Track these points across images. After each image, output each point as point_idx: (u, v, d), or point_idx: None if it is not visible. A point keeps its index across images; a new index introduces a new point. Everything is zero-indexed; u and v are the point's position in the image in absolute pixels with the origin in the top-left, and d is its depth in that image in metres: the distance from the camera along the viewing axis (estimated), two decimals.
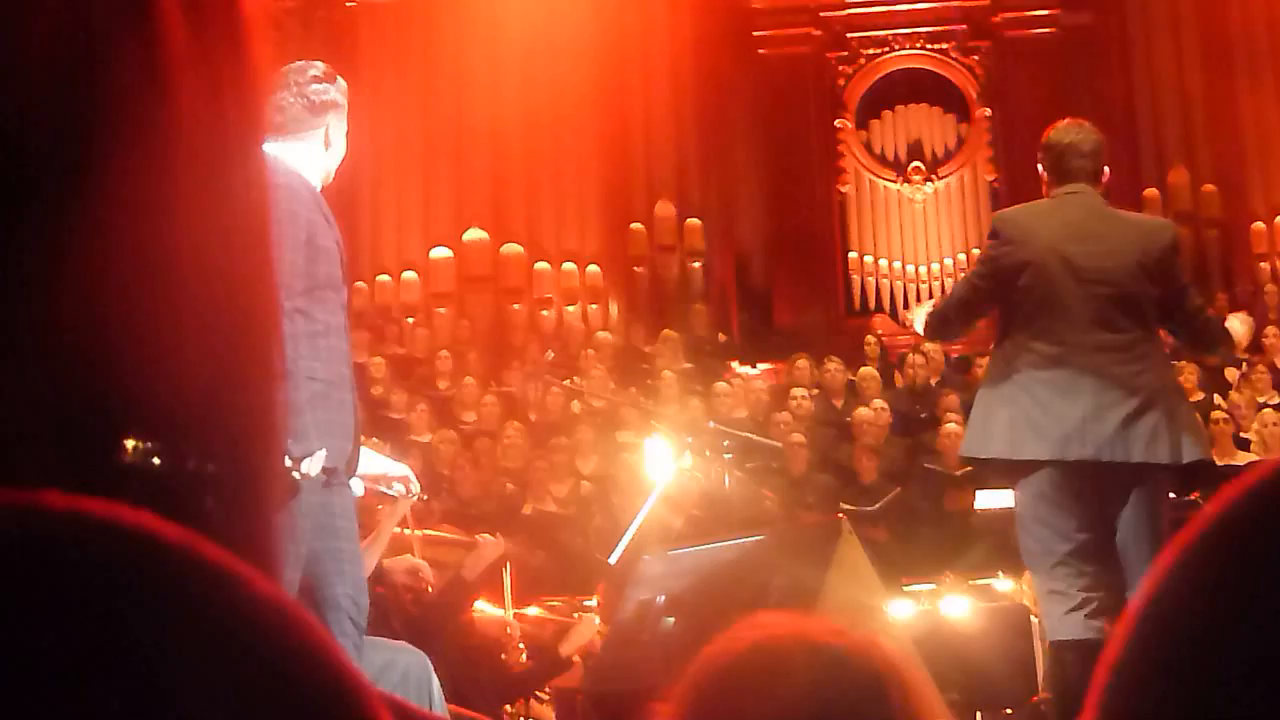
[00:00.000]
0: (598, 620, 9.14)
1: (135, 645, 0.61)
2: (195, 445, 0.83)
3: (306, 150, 5.19)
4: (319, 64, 5.32)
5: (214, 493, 0.83)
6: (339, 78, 5.35)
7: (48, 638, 0.61)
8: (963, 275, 6.78)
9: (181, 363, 0.82)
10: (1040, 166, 6.65)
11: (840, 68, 19.45)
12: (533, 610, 9.57)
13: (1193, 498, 7.99)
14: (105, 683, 0.61)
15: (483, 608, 8.78)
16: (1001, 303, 6.54)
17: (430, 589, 8.01)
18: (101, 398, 0.79)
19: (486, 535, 8.78)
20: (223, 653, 0.63)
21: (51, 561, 0.63)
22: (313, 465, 4.83)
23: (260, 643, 0.65)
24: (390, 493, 6.10)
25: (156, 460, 0.82)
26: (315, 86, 5.20)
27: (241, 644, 0.64)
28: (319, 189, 5.27)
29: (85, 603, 0.62)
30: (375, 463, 5.93)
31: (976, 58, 19.34)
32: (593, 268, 18.55)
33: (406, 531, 8.16)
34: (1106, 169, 6.64)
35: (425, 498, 7.31)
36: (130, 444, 0.81)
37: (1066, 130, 6.61)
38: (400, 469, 5.98)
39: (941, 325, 6.97)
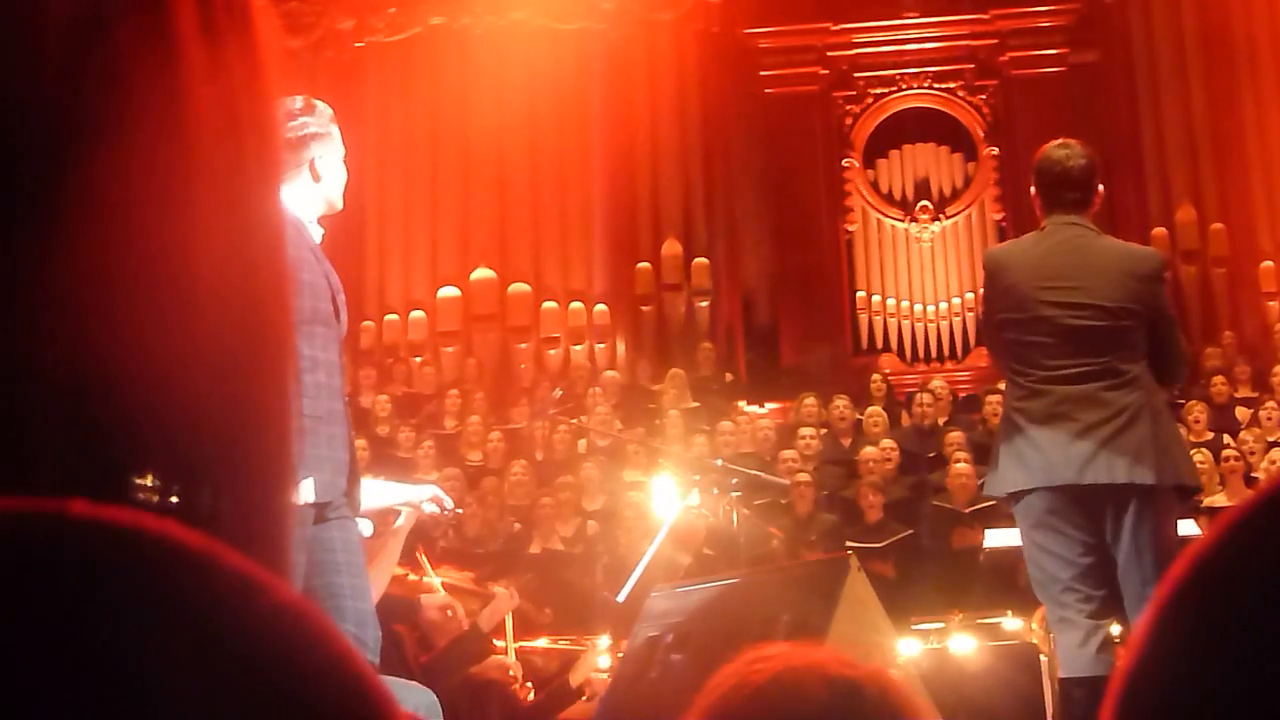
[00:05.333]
0: (604, 644, 9.14)
1: (161, 651, 0.62)
2: (210, 479, 0.84)
3: (292, 188, 5.14)
4: (297, 98, 5.27)
5: (227, 527, 0.83)
6: (318, 105, 5.31)
7: (74, 644, 0.61)
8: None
9: (198, 396, 0.83)
10: (1032, 189, 6.65)
11: (847, 107, 19.48)
12: (540, 642, 9.56)
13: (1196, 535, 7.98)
14: (130, 689, 0.61)
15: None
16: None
17: (464, 626, 8.05)
18: (119, 431, 0.80)
19: (500, 587, 8.79)
20: (246, 657, 0.64)
21: (76, 568, 0.63)
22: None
23: (283, 646, 0.65)
24: (402, 520, 6.09)
25: (174, 498, 0.82)
26: (290, 124, 5.13)
27: (264, 648, 0.65)
28: (317, 220, 5.25)
29: (111, 609, 0.62)
30: (399, 491, 5.93)
31: (983, 97, 19.37)
32: (599, 306, 18.56)
33: (425, 579, 8.19)
34: (1100, 187, 6.61)
35: (460, 511, 7.28)
36: (147, 480, 0.81)
37: (1056, 152, 6.58)
38: (427, 490, 5.95)
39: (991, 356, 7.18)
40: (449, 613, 7.82)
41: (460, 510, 7.12)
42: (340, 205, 5.33)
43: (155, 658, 0.62)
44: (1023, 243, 6.77)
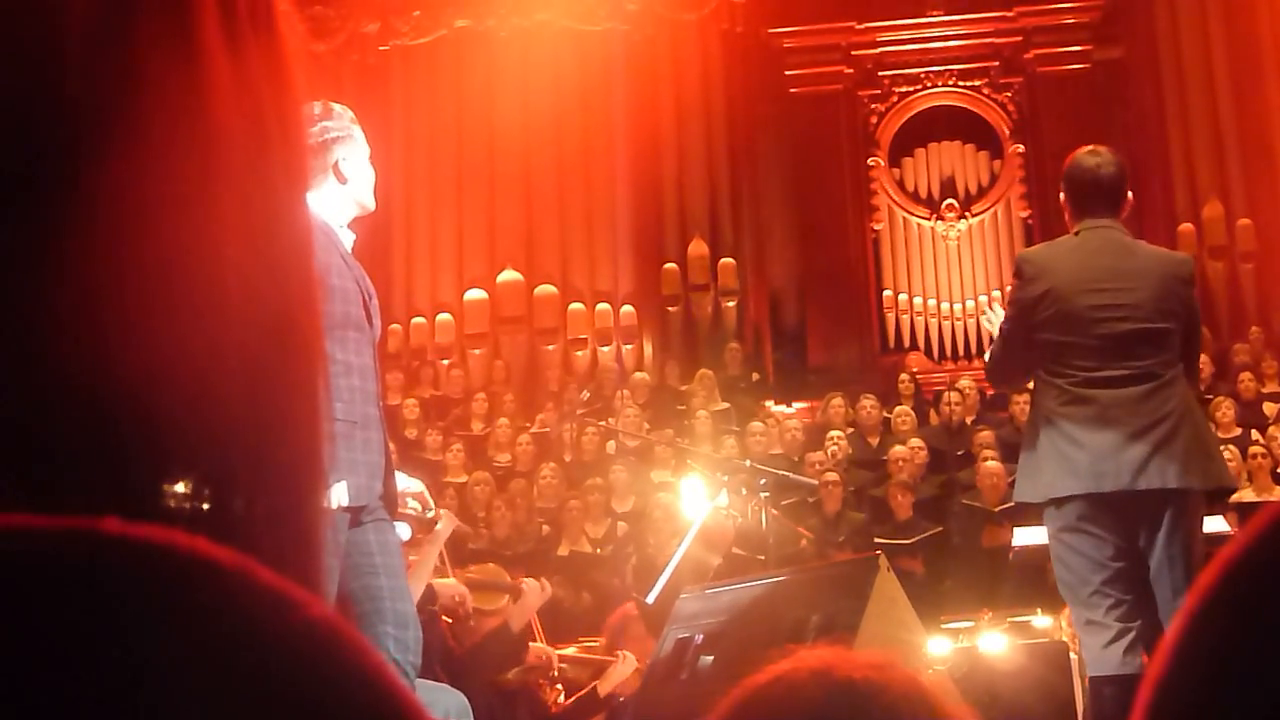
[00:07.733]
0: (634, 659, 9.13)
1: (194, 670, 0.62)
2: (242, 485, 0.83)
3: (319, 194, 5.11)
4: (314, 104, 5.21)
5: (260, 533, 0.83)
6: (335, 108, 5.29)
7: (107, 664, 0.61)
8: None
9: (226, 402, 0.82)
10: (1061, 195, 6.60)
11: (872, 105, 19.45)
12: (570, 650, 9.55)
13: (1225, 531, 7.96)
14: (163, 708, 0.61)
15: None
16: (1030, 340, 6.49)
17: (469, 618, 8.05)
18: (146, 439, 0.79)
19: (530, 580, 8.77)
20: (279, 674, 0.64)
21: (110, 589, 0.63)
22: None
23: (314, 664, 0.65)
24: (441, 525, 6.03)
25: (205, 504, 0.82)
26: (310, 130, 5.07)
27: (296, 666, 0.65)
28: (349, 223, 5.25)
29: (143, 629, 0.62)
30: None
31: (1009, 94, 19.32)
32: (626, 308, 18.55)
33: (447, 581, 8.18)
34: (1130, 194, 6.57)
35: (441, 514, 7.23)
36: (179, 487, 0.81)
37: (1087, 159, 6.51)
38: (415, 486, 5.83)
39: (995, 370, 6.98)
40: (456, 598, 7.81)
41: (441, 514, 7.05)
42: (372, 205, 5.31)
43: (188, 677, 0.62)
44: (1057, 247, 6.68)
